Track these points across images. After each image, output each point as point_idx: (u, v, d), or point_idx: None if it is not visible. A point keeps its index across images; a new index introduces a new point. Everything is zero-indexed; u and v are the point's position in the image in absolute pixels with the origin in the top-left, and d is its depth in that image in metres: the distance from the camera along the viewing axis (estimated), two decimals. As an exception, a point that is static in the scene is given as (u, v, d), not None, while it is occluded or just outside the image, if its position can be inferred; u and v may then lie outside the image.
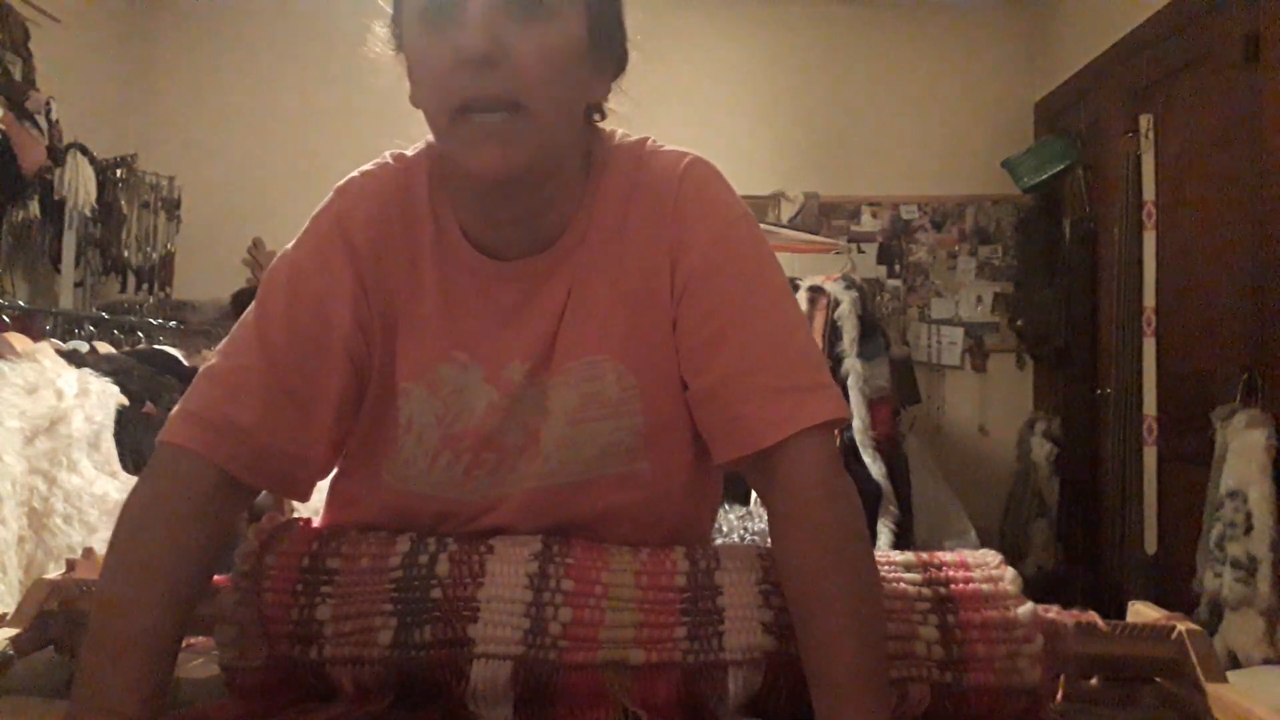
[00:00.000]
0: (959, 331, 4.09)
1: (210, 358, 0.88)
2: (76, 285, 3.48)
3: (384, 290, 0.89)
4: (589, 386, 0.88)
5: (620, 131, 0.94)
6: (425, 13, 0.80)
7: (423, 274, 0.89)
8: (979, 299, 4.11)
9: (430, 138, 0.89)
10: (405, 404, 0.89)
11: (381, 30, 0.88)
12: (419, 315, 0.89)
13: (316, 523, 0.97)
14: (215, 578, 0.92)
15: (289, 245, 0.91)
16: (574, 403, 0.88)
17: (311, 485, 0.90)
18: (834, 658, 0.75)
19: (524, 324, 0.89)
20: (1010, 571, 0.87)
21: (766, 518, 0.85)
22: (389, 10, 0.88)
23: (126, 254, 3.61)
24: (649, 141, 0.94)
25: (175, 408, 0.84)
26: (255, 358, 0.85)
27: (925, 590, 0.85)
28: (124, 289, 3.67)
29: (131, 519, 0.79)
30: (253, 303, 0.89)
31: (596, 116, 0.92)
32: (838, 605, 0.76)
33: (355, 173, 0.93)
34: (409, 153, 0.93)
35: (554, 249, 0.89)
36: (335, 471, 0.95)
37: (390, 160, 0.93)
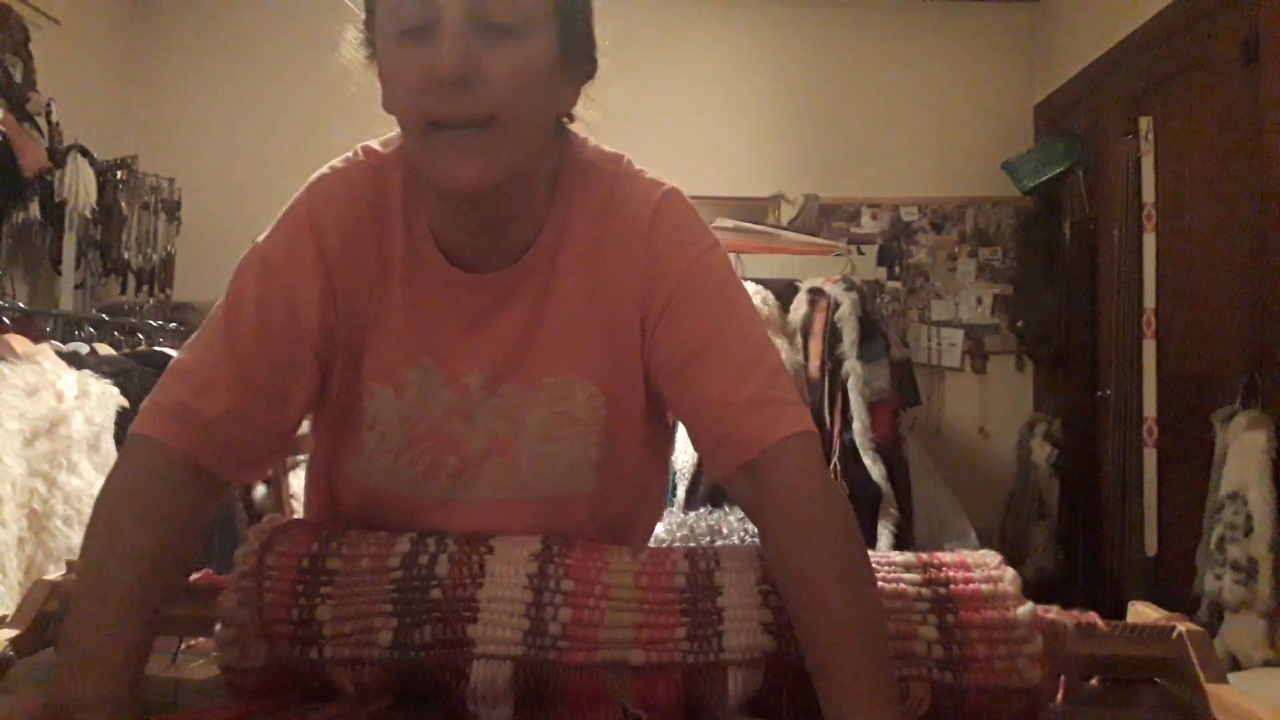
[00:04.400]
0: (959, 333, 4.09)
1: (181, 351, 0.90)
2: (77, 287, 3.47)
3: (352, 291, 0.90)
4: (560, 406, 0.91)
5: (592, 142, 0.96)
6: (400, 30, 0.81)
7: (392, 278, 0.91)
8: (979, 301, 4.11)
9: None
10: (371, 403, 0.91)
11: (353, 35, 0.89)
12: (387, 319, 0.91)
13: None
14: (215, 578, 0.92)
15: (260, 238, 0.93)
16: (544, 422, 0.91)
17: (271, 467, 0.94)
18: (837, 656, 0.75)
19: (486, 334, 0.91)
20: (1010, 572, 0.87)
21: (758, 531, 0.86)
22: (361, 14, 0.88)
23: (127, 256, 3.61)
24: (624, 161, 0.95)
25: (146, 399, 0.87)
26: (223, 354, 0.87)
27: (925, 590, 0.85)
28: (124, 290, 3.67)
29: (106, 504, 0.83)
30: (224, 295, 0.91)
31: (565, 121, 0.93)
32: (836, 604, 0.76)
33: (326, 168, 0.94)
34: (382, 149, 0.94)
35: (521, 262, 0.91)
36: (310, 462, 0.99)
37: (363, 157, 0.94)
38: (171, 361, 0.90)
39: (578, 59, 0.89)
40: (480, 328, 0.91)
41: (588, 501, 0.93)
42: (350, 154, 0.94)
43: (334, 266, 0.90)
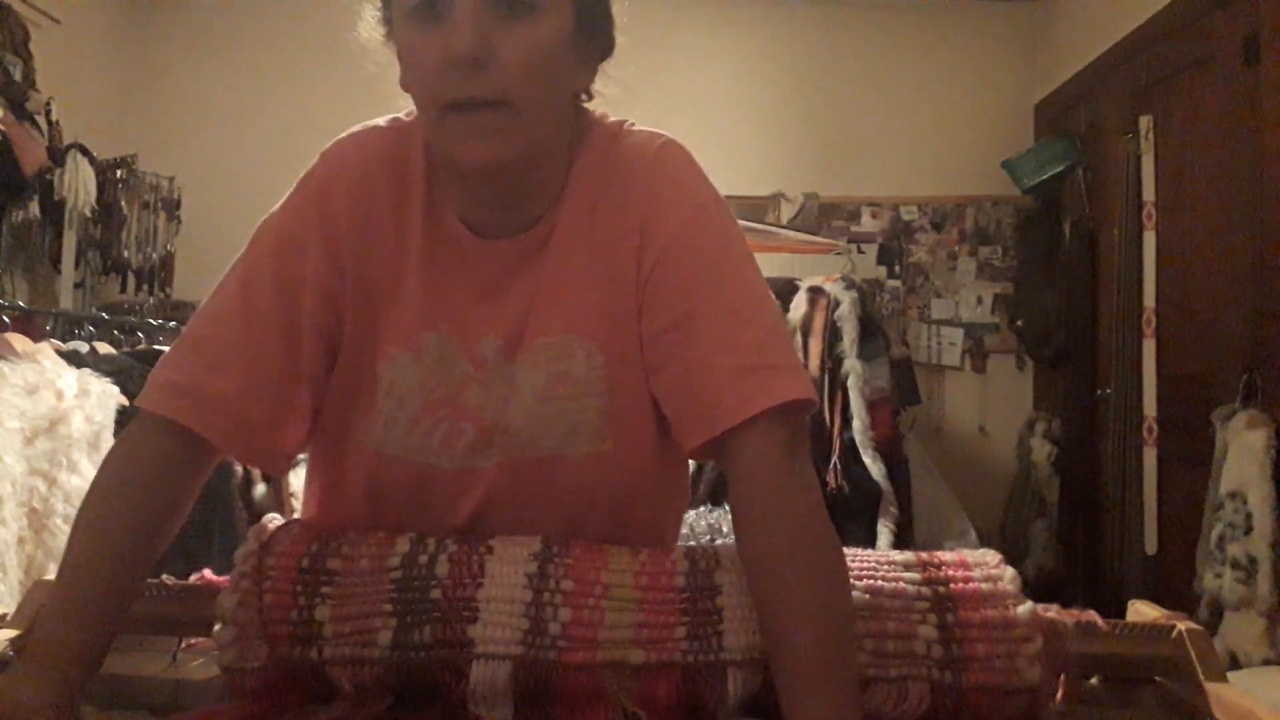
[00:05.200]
0: (959, 332, 4.09)
1: (191, 322, 0.88)
2: (76, 286, 3.48)
3: (364, 258, 0.89)
4: (558, 365, 0.89)
5: (601, 112, 0.95)
6: (415, 10, 0.80)
7: (409, 244, 0.90)
8: (979, 300, 4.11)
9: None
10: (388, 369, 0.90)
11: (371, 14, 0.89)
12: (404, 285, 0.90)
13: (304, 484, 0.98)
14: (215, 578, 0.92)
15: (275, 208, 0.92)
16: (541, 381, 0.89)
17: (287, 457, 0.91)
18: (793, 650, 0.75)
19: (500, 300, 0.90)
20: (1009, 571, 0.87)
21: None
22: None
23: (126, 254, 3.62)
24: (626, 123, 0.95)
25: (155, 371, 0.85)
26: (238, 328, 0.86)
27: (925, 590, 0.85)
28: (124, 289, 3.68)
29: (104, 484, 0.83)
30: (236, 264, 0.90)
31: (583, 98, 0.93)
32: (794, 596, 0.76)
33: (344, 134, 0.93)
34: (405, 117, 0.93)
35: (537, 229, 0.90)
36: (316, 438, 0.96)
37: (383, 124, 0.93)
38: (183, 332, 0.88)
39: (594, 36, 0.88)
40: (494, 294, 0.90)
41: (589, 464, 0.90)
42: (368, 123, 0.94)
43: (340, 233, 0.89)
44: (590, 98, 0.93)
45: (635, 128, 0.94)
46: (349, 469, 0.93)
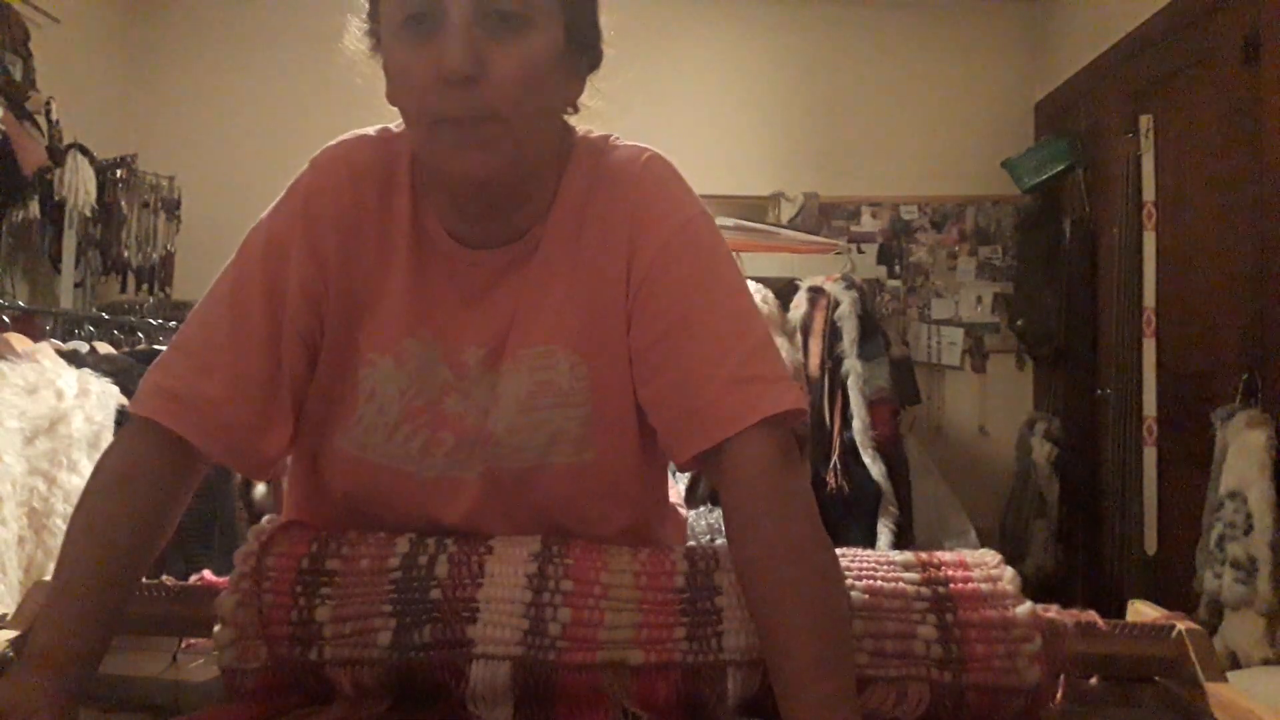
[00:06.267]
0: (959, 332, 4.09)
1: (183, 326, 0.90)
2: (76, 285, 3.48)
3: (348, 263, 0.90)
4: (541, 375, 0.89)
5: (585, 128, 0.95)
6: (405, 24, 0.80)
7: (395, 250, 0.90)
8: (979, 299, 4.11)
9: None
10: (369, 374, 0.90)
11: (357, 26, 0.89)
12: (389, 290, 0.90)
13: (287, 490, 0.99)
14: (215, 579, 0.92)
15: (265, 213, 0.93)
16: (525, 391, 0.89)
17: (271, 462, 0.91)
18: (790, 652, 0.75)
19: (485, 310, 0.90)
20: (1009, 571, 0.87)
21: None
22: (365, 4, 0.88)
23: (126, 254, 3.61)
24: (611, 137, 0.95)
25: (146, 376, 0.86)
26: (227, 332, 0.87)
27: (924, 590, 0.85)
28: (124, 289, 3.67)
29: (98, 486, 0.84)
30: (227, 269, 0.91)
31: (570, 111, 0.93)
32: (791, 599, 0.76)
33: (333, 143, 0.93)
34: (394, 128, 0.93)
35: (523, 241, 0.90)
36: (296, 445, 0.96)
37: (372, 134, 0.94)
38: (174, 337, 0.89)
39: (584, 50, 0.88)
40: (478, 304, 0.90)
41: (571, 474, 0.90)
42: (358, 131, 0.94)
43: (327, 239, 0.89)
44: (577, 110, 0.93)
45: (620, 142, 0.95)
46: (328, 475, 0.94)
